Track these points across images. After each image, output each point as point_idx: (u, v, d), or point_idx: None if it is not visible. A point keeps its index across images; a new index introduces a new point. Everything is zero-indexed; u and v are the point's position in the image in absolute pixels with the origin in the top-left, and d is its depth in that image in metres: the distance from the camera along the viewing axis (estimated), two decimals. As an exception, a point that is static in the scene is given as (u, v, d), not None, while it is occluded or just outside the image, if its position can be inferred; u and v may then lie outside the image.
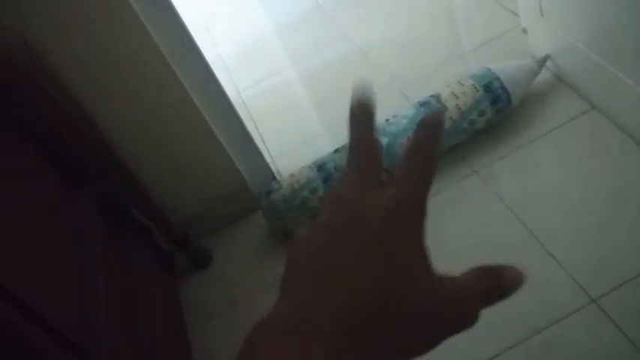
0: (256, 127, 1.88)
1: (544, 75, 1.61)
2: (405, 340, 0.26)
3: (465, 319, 0.27)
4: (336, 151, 1.53)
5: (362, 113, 0.31)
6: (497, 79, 1.52)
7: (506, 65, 1.56)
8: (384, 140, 1.49)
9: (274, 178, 1.67)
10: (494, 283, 0.29)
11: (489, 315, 1.21)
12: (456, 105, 1.50)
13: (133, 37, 1.27)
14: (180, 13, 1.37)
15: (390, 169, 0.31)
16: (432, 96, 1.55)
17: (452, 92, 1.53)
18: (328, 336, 0.25)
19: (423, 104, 1.53)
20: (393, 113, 1.55)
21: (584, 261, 1.25)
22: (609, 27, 1.33)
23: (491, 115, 1.52)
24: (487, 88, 1.51)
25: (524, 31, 1.74)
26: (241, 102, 2.01)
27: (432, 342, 0.27)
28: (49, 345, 0.85)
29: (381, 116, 1.56)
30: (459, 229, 1.40)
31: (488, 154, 1.53)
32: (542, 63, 1.59)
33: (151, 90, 1.37)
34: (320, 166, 1.51)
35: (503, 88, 1.51)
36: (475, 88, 1.51)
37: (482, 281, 0.28)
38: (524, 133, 1.54)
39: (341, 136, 1.60)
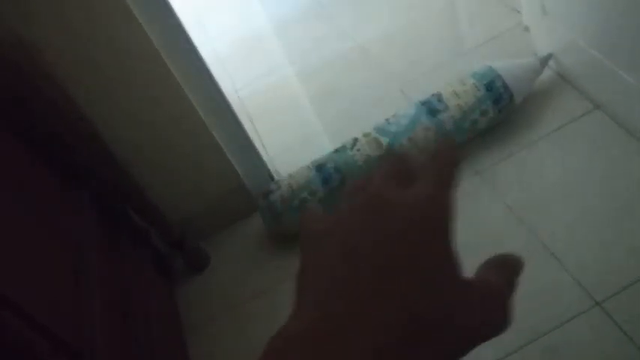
0: (254, 127, 1.86)
1: (546, 74, 1.60)
2: (440, 351, 0.25)
3: (501, 323, 0.26)
4: (336, 151, 1.51)
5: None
6: (499, 77, 1.50)
7: (508, 64, 1.54)
8: (384, 140, 1.47)
9: (272, 178, 1.65)
10: (509, 274, 0.28)
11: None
12: (458, 104, 1.48)
13: (129, 34, 1.26)
14: (176, 10, 1.35)
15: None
16: (433, 95, 1.53)
17: (453, 91, 1.51)
18: (362, 354, 0.23)
19: (424, 103, 1.51)
20: (394, 112, 1.53)
21: (588, 263, 1.24)
22: (612, 25, 1.31)
23: (493, 115, 1.50)
24: (489, 86, 1.49)
25: (527, 29, 1.72)
26: (238, 101, 1.99)
27: (466, 349, 0.25)
28: (46, 348, 0.84)
29: (381, 116, 1.54)
30: (461, 231, 1.37)
31: (491, 155, 1.51)
32: (544, 61, 1.57)
33: (146, 89, 1.35)
34: (319, 167, 1.49)
35: (505, 87, 1.49)
36: (476, 86, 1.49)
37: (503, 276, 0.28)
38: (527, 132, 1.53)
39: (341, 135, 1.60)
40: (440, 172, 0.28)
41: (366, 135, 1.49)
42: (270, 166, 1.68)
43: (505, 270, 0.28)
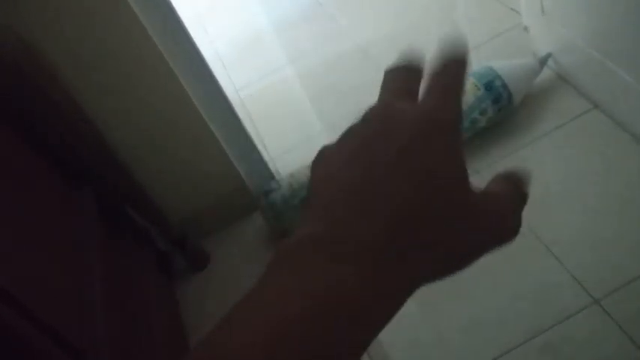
0: (255, 126, 1.87)
1: (546, 73, 1.60)
2: (442, 255, 0.25)
3: (510, 230, 0.27)
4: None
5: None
6: (499, 77, 1.50)
7: (507, 64, 1.55)
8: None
9: (273, 177, 1.66)
10: (520, 182, 0.29)
11: (490, 316, 1.20)
12: (457, 104, 1.49)
13: (130, 35, 1.26)
14: (178, 11, 1.36)
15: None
16: (432, 94, 1.53)
17: (453, 91, 1.51)
18: (359, 254, 0.23)
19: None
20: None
21: (586, 261, 1.24)
22: (611, 25, 1.32)
23: (492, 114, 1.50)
24: (488, 86, 1.50)
25: (526, 29, 1.73)
26: (239, 101, 1.99)
27: (471, 256, 0.26)
28: (48, 347, 0.85)
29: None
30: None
31: (490, 154, 1.52)
32: (543, 61, 1.57)
33: (148, 89, 1.35)
34: (319, 166, 1.49)
35: (505, 87, 1.50)
36: (476, 86, 1.50)
37: (511, 186, 0.28)
38: (526, 132, 1.53)
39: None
40: (446, 85, 0.28)
41: (366, 134, 1.50)
42: (271, 166, 1.69)
43: (514, 181, 0.28)
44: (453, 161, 0.26)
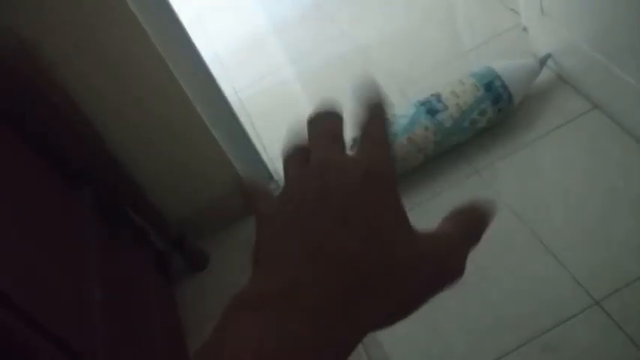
0: (254, 127, 1.87)
1: (545, 74, 1.60)
2: (392, 303, 0.25)
3: (452, 273, 0.27)
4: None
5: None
6: (499, 77, 1.50)
7: (507, 64, 1.55)
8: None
9: (272, 178, 1.66)
10: (471, 222, 0.28)
11: (491, 316, 1.19)
12: (457, 104, 1.49)
13: (129, 35, 1.26)
14: (177, 12, 1.36)
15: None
16: (432, 95, 1.53)
17: (452, 91, 1.51)
18: (310, 307, 0.24)
19: (423, 103, 1.52)
20: (393, 113, 1.54)
21: (587, 262, 1.24)
22: (611, 25, 1.32)
23: (492, 114, 1.50)
24: (488, 86, 1.49)
25: (525, 29, 1.73)
26: (238, 101, 1.99)
27: (419, 301, 0.26)
28: (47, 348, 0.85)
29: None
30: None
31: (490, 154, 1.52)
32: (543, 62, 1.57)
33: (147, 90, 1.35)
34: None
35: (505, 87, 1.50)
36: (476, 86, 1.50)
37: (459, 226, 0.28)
38: (526, 132, 1.53)
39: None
40: (375, 137, 0.29)
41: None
42: (270, 167, 1.69)
43: (462, 220, 0.28)
44: (394, 212, 0.26)
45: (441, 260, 0.27)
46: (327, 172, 0.27)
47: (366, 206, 0.26)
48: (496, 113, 1.51)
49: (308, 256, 0.25)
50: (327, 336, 0.24)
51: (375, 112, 0.30)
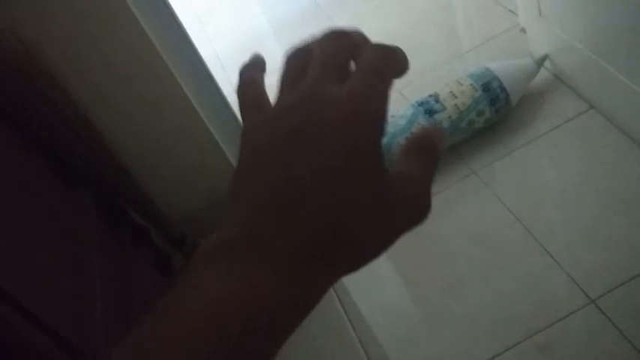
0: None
1: (543, 74, 1.61)
2: (364, 245, 0.25)
3: (422, 210, 0.27)
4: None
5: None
6: (496, 78, 1.51)
7: (504, 65, 1.56)
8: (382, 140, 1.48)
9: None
10: (427, 155, 0.28)
11: (487, 315, 1.20)
12: (455, 105, 1.49)
13: (129, 36, 1.26)
14: (177, 12, 1.36)
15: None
16: (430, 96, 1.54)
17: (450, 92, 1.52)
18: (272, 253, 0.24)
19: (421, 104, 1.53)
20: (391, 113, 1.54)
21: (583, 261, 1.25)
22: (608, 26, 1.32)
23: (490, 115, 1.51)
24: (486, 87, 1.50)
25: (523, 30, 1.73)
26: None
27: (390, 242, 0.26)
28: (47, 346, 0.85)
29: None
30: (458, 229, 1.39)
31: (487, 154, 1.53)
32: (540, 62, 1.58)
33: (146, 89, 1.36)
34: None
35: (502, 88, 1.50)
36: (474, 87, 1.51)
37: (419, 163, 0.28)
38: (523, 132, 1.54)
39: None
40: (375, 68, 0.28)
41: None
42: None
43: (419, 156, 0.28)
44: (369, 155, 0.26)
45: (411, 200, 0.27)
46: (308, 107, 0.26)
47: (341, 149, 0.25)
48: (494, 114, 1.52)
49: (273, 197, 0.25)
50: (291, 281, 0.24)
51: (388, 50, 0.28)
